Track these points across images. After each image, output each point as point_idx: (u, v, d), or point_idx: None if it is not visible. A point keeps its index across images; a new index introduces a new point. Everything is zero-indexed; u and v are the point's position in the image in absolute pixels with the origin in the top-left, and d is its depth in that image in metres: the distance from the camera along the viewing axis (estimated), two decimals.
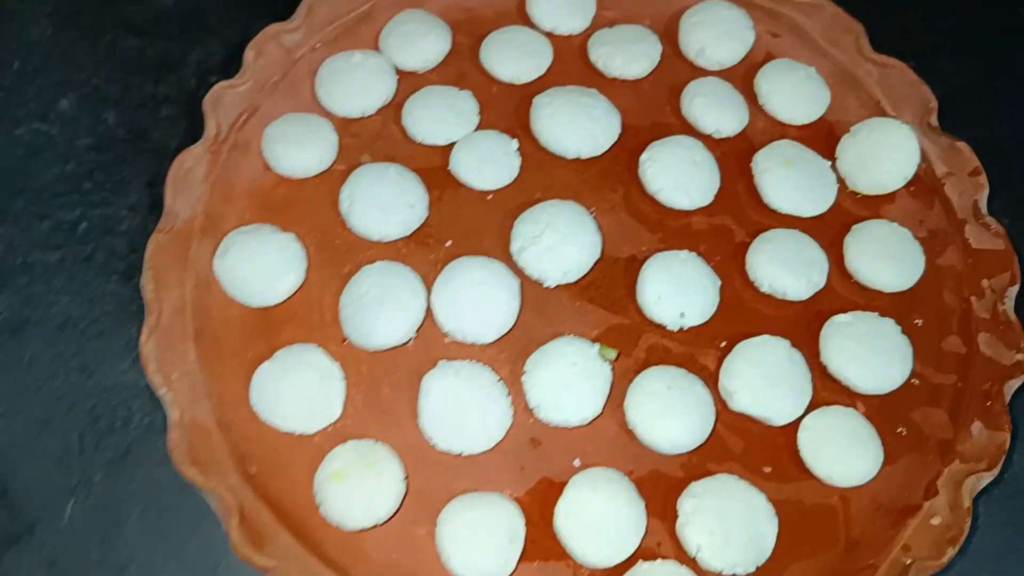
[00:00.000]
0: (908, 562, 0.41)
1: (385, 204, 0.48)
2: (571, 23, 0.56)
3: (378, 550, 0.42)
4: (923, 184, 0.51)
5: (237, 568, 0.42)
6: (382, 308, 0.45)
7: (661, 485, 0.44)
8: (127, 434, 0.45)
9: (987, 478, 0.43)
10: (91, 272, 0.49)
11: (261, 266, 0.47)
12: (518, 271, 0.48)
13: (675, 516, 0.42)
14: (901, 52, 0.55)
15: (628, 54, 0.54)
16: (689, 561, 0.42)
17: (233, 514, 0.40)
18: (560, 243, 0.47)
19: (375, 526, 0.42)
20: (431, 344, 0.46)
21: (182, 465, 0.41)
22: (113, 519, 0.43)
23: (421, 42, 0.54)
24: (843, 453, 0.44)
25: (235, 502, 0.40)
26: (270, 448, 0.44)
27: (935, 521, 0.42)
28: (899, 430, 0.45)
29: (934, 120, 0.51)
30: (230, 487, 0.41)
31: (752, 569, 0.41)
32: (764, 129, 0.53)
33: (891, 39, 0.56)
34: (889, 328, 0.46)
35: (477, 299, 0.46)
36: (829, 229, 0.50)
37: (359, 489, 0.42)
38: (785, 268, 0.48)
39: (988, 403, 0.44)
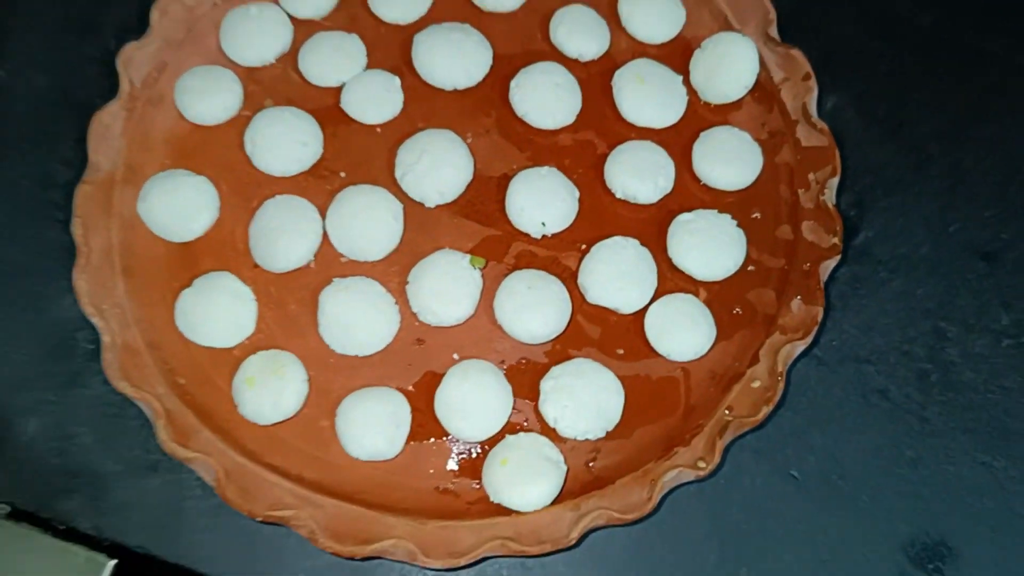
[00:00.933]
0: (729, 419, 0.48)
1: (282, 144, 0.54)
2: None
3: (290, 440, 0.49)
4: (764, 90, 0.56)
5: (172, 467, 0.50)
6: (281, 236, 0.52)
7: (528, 371, 0.51)
8: (73, 361, 0.53)
9: (801, 346, 0.50)
10: (35, 223, 0.55)
11: (179, 206, 0.53)
12: (402, 195, 0.54)
13: (538, 395, 0.50)
14: None
15: None
16: (549, 432, 0.49)
17: (160, 417, 0.47)
18: (435, 167, 0.53)
19: (284, 421, 0.50)
20: (329, 264, 0.53)
21: (115, 381, 0.48)
22: (67, 433, 0.51)
23: None
24: (683, 333, 0.50)
25: (162, 408, 0.48)
26: (195, 362, 0.51)
27: (755, 384, 0.49)
28: (735, 310, 0.52)
29: (773, 31, 0.56)
30: (157, 396, 0.48)
31: (602, 435, 0.49)
32: (627, 49, 0.58)
33: None
34: (726, 222, 0.53)
35: (365, 222, 0.52)
36: (682, 138, 0.56)
37: (267, 391, 0.49)
38: (635, 175, 0.54)
39: (807, 281, 0.51)
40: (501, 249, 0.54)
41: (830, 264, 0.51)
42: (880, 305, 0.54)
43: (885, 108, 0.59)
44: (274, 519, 0.46)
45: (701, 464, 0.47)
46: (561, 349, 0.52)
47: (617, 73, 0.57)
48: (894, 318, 0.54)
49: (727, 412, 0.49)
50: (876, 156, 0.57)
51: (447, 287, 0.51)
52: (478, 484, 0.49)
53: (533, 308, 0.50)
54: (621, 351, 0.52)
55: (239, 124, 0.56)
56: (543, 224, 0.53)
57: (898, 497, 0.51)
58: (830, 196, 0.52)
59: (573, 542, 0.46)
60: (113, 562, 0.49)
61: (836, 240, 0.51)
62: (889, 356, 0.53)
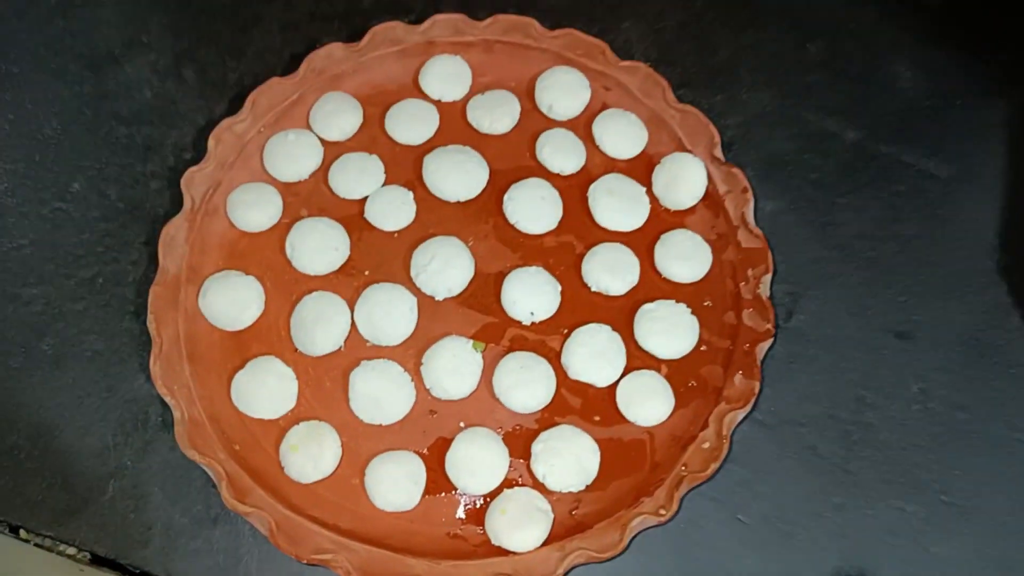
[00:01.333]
0: (684, 474, 0.59)
1: (318, 248, 0.65)
2: (453, 92, 0.72)
3: (327, 496, 0.59)
4: (712, 200, 0.67)
5: (230, 519, 0.61)
6: (317, 325, 0.63)
7: (521, 435, 0.60)
8: (146, 432, 0.61)
9: (742, 414, 0.59)
10: (109, 315, 0.64)
11: (232, 301, 0.63)
12: (416, 290, 0.65)
13: (530, 456, 0.61)
14: (713, 87, 0.73)
15: (495, 115, 0.70)
16: (539, 486, 0.60)
17: (222, 478, 0.58)
18: (444, 267, 0.64)
19: (322, 480, 0.60)
20: (357, 349, 0.63)
21: (185, 448, 0.58)
22: (142, 492, 0.60)
23: (339, 118, 0.70)
24: (648, 403, 0.58)
25: (223, 471, 0.58)
26: (248, 432, 0.61)
27: (705, 445, 0.58)
28: (690, 383, 0.62)
29: (718, 152, 0.67)
30: (219, 461, 0.59)
31: (583, 488, 0.58)
32: (600, 164, 0.69)
33: (703, 80, 0.74)
34: (682, 310, 0.63)
35: (386, 314, 0.63)
36: (646, 238, 0.64)
37: (309, 455, 0.59)
38: (608, 272, 0.63)
39: (747, 359, 0.62)
40: (498, 334, 0.62)
41: (765, 345, 0.62)
42: (811, 376, 0.64)
43: (815, 211, 0.69)
44: (317, 561, 0.56)
45: (662, 511, 0.57)
46: (548, 417, 0.59)
47: (592, 186, 0.66)
48: (823, 387, 0.63)
49: (683, 468, 0.57)
50: (808, 251, 0.67)
51: (454, 367, 0.62)
52: (482, 530, 0.56)
53: (525, 384, 0.60)
54: (598, 418, 0.59)
55: (280, 231, 0.67)
56: (532, 313, 0.62)
57: (827, 536, 0.59)
58: (764, 289, 0.63)
59: None
60: None
61: (769, 325, 0.62)
62: (819, 419, 0.62)
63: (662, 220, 0.66)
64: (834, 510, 0.60)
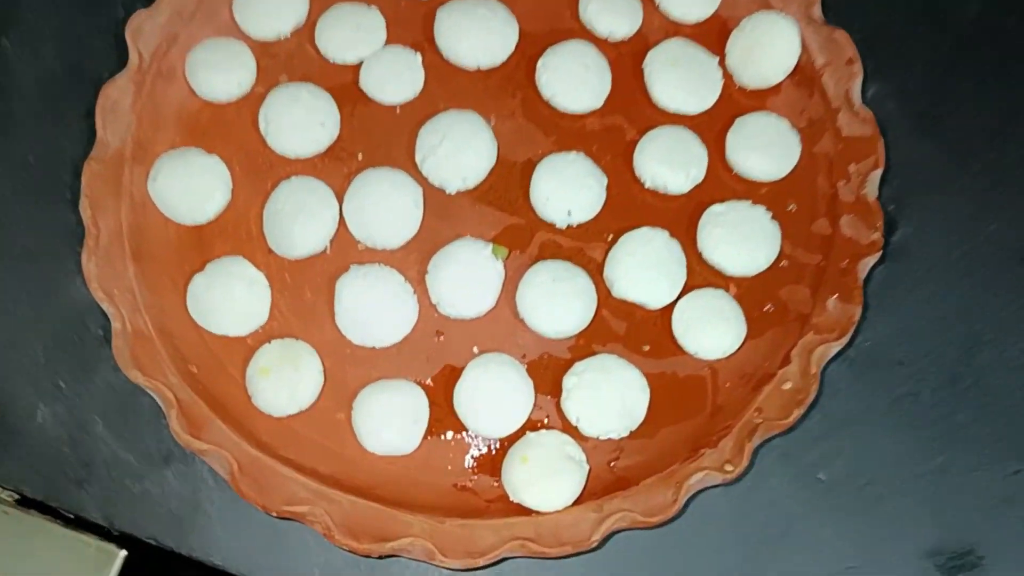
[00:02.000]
0: (758, 422, 0.46)
1: (299, 124, 0.52)
2: None
3: (304, 433, 0.48)
4: (804, 75, 0.54)
5: (185, 459, 0.49)
6: (296, 220, 0.50)
7: (550, 366, 0.49)
8: (85, 347, 0.51)
9: (836, 347, 0.48)
10: (42, 203, 0.54)
11: (191, 187, 0.51)
12: (422, 179, 0.52)
13: (560, 392, 0.48)
14: None
15: None
16: (572, 430, 0.48)
17: (173, 407, 0.46)
18: (457, 151, 0.51)
19: (299, 413, 0.48)
20: (345, 251, 0.51)
21: (126, 368, 0.47)
22: (79, 421, 0.50)
23: None
24: (711, 330, 0.49)
25: (174, 397, 0.46)
26: (207, 351, 0.50)
27: (786, 386, 0.48)
28: (767, 307, 0.50)
29: (816, 11, 0.54)
30: (169, 385, 0.47)
31: (625, 434, 0.48)
32: (659, 28, 0.56)
33: None
34: (760, 215, 0.51)
35: (383, 208, 0.51)
36: (716, 123, 0.53)
37: (282, 382, 0.48)
38: (666, 164, 0.51)
39: (845, 279, 0.49)
40: (524, 239, 0.52)
41: (869, 262, 0.49)
42: (914, 305, 0.52)
43: (926, 100, 0.56)
44: (289, 514, 0.45)
45: (728, 467, 0.45)
46: (585, 344, 0.50)
47: (649, 54, 0.54)
48: (928, 319, 0.52)
49: (756, 414, 0.47)
50: (915, 150, 0.55)
51: (468, 277, 0.49)
52: (497, 482, 0.48)
53: (557, 301, 0.49)
54: (647, 347, 0.50)
55: (253, 102, 0.54)
56: (569, 213, 0.51)
57: (927, 503, 0.49)
58: (871, 189, 0.50)
59: (595, 544, 0.45)
60: (124, 553, 0.49)
61: (876, 236, 0.49)
62: (921, 359, 0.51)
63: (737, 101, 0.55)
64: (936, 472, 0.50)
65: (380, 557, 0.46)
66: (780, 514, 0.49)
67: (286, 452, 0.48)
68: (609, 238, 0.51)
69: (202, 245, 0.52)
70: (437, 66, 0.55)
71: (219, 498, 0.49)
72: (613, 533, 0.46)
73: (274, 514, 0.45)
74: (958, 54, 0.58)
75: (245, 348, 0.50)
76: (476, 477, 0.48)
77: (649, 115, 0.54)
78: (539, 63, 0.54)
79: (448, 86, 0.54)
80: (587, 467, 0.47)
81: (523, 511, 0.46)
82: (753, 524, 0.49)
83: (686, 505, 0.46)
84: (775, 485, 0.49)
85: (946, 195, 0.54)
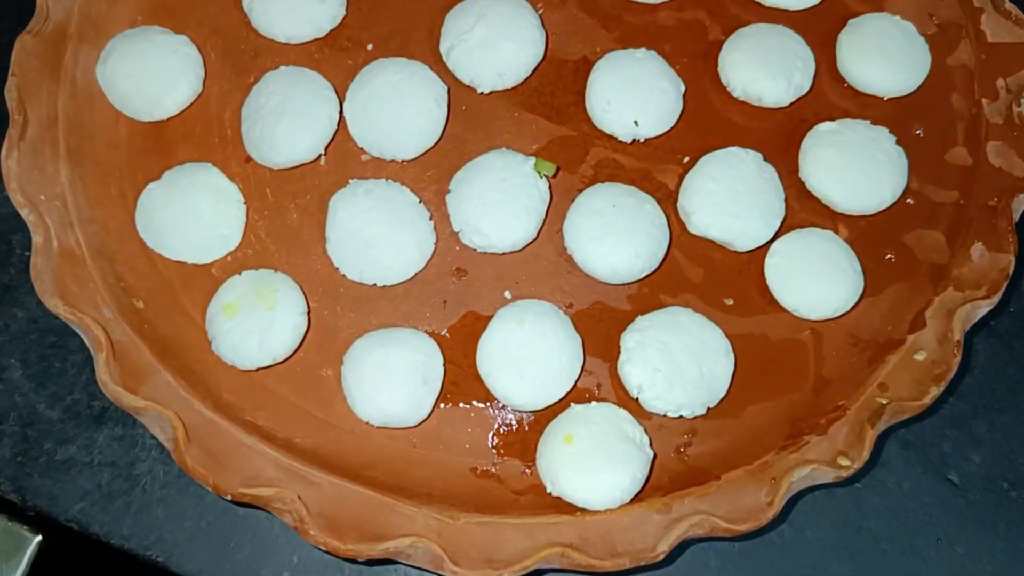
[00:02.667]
0: (884, 403, 0.35)
1: (293, 2, 0.41)
2: None
3: (279, 392, 0.38)
4: None
5: (124, 419, 0.39)
6: (283, 117, 0.39)
7: (604, 320, 0.39)
8: (5, 272, 0.41)
9: (985, 307, 0.38)
10: None
11: (150, 74, 0.41)
12: (448, 74, 0.41)
13: (617, 353, 0.37)
14: None
15: None
16: (631, 403, 0.37)
17: (102, 349, 0.35)
18: (494, 39, 0.41)
19: (273, 365, 0.37)
20: (345, 162, 0.41)
21: (46, 296, 0.37)
22: None
23: None
24: (816, 282, 0.39)
25: (106, 338, 0.35)
26: (159, 281, 0.39)
27: (919, 357, 0.37)
28: (887, 256, 0.40)
29: None
30: (102, 322, 0.36)
31: (702, 411, 0.37)
32: None
33: None
34: (882, 138, 0.40)
35: (395, 107, 0.40)
36: (822, 24, 0.44)
37: (252, 323, 0.37)
38: (762, 68, 0.41)
39: (993, 221, 0.38)
40: (577, 155, 0.42)
41: None
42: None
43: None
44: (250, 499, 0.34)
45: (844, 461, 0.35)
46: (650, 293, 0.40)
47: None
48: None
49: (879, 391, 0.36)
50: None
51: (501, 198, 0.38)
52: (530, 468, 0.37)
53: (617, 235, 0.38)
54: (730, 301, 0.40)
55: None
56: (635, 124, 0.40)
57: None
58: None
59: (661, 557, 0.33)
60: (38, 539, 0.37)
61: None
62: None
63: (849, 1, 0.44)
64: None
65: (370, 563, 0.34)
66: (899, 521, 0.40)
67: (253, 416, 0.37)
68: (685, 160, 0.42)
69: (161, 148, 0.42)
70: None
71: (165, 473, 0.38)
72: (686, 543, 0.35)
73: (229, 497, 0.34)
74: None
75: (208, 280, 0.40)
76: (502, 460, 0.38)
77: (737, 12, 0.44)
78: None
79: None
80: (651, 453, 0.36)
81: (564, 508, 0.36)
82: (863, 533, 0.40)
83: (785, 509, 0.35)
84: (893, 485, 0.40)
85: None
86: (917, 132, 0.41)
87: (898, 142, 0.40)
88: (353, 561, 0.35)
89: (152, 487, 0.38)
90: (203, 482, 0.34)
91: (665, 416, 0.37)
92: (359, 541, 0.34)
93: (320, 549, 0.34)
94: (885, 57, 0.41)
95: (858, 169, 0.39)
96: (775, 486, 0.34)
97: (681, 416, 0.37)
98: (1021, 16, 0.41)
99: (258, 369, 0.38)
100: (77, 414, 0.39)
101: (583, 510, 0.35)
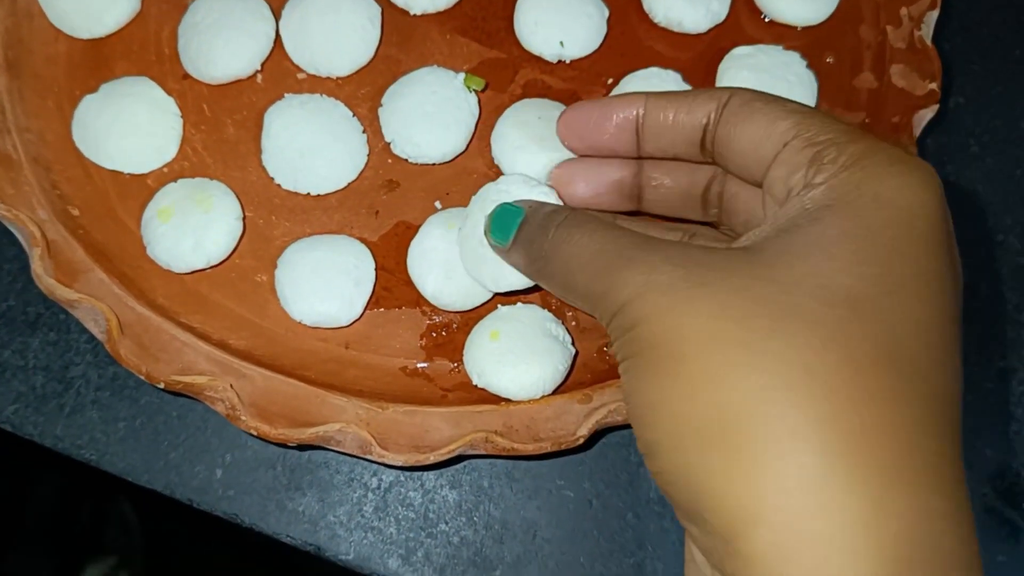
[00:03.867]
0: None
1: None
2: None
3: (213, 297, 0.38)
4: None
5: (58, 325, 0.39)
6: (220, 33, 0.40)
7: None
8: None
9: None
10: None
11: None
12: None
13: None
14: None
15: None
16: (556, 305, 0.38)
17: (37, 245, 0.35)
18: None
19: (208, 268, 0.38)
20: (281, 78, 0.41)
21: None
22: None
23: None
24: None
25: (41, 235, 0.35)
26: (95, 190, 0.39)
27: None
28: None
29: None
30: (37, 221, 0.36)
31: None
32: None
33: None
34: (794, 62, 0.41)
35: (330, 25, 0.40)
36: None
37: (188, 227, 0.37)
38: None
39: (897, 136, 0.40)
40: (506, 76, 0.42)
41: (925, 115, 0.40)
42: (970, 184, 0.44)
43: None
44: (182, 388, 0.34)
45: None
46: None
47: None
48: (985, 200, 0.43)
49: None
50: (971, 11, 0.46)
51: (433, 111, 0.39)
52: (457, 366, 0.37)
53: (543, 143, 0.38)
54: None
55: None
56: (561, 44, 0.41)
57: (985, 417, 0.40)
58: (927, 31, 0.41)
59: (581, 441, 0.34)
60: None
61: (934, 86, 0.40)
62: (980, 246, 0.42)
63: None
64: (995, 378, 0.39)
65: (300, 447, 0.35)
66: None
67: (188, 319, 0.37)
68: (609, 82, 0.42)
69: (99, 64, 0.41)
70: None
71: (99, 376, 0.38)
72: (604, 430, 0.36)
73: (161, 385, 0.34)
74: None
75: (144, 190, 0.39)
76: (433, 359, 0.38)
77: None
78: None
79: None
80: (572, 349, 0.37)
81: (490, 399, 0.36)
82: None
83: None
84: None
85: (1007, 62, 0.46)
86: (828, 60, 0.42)
87: (809, 67, 0.42)
88: (283, 446, 0.35)
89: (86, 390, 0.38)
90: (136, 371, 0.34)
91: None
92: (289, 427, 0.34)
93: (250, 436, 0.35)
94: None
95: (771, 90, 0.40)
96: None
97: None
98: None
99: (192, 272, 0.37)
100: (11, 320, 0.38)
101: (508, 400, 0.36)
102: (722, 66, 0.42)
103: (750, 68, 0.41)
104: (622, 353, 0.25)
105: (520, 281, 0.34)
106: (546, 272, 0.30)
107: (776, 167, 0.27)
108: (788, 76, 0.41)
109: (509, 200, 0.33)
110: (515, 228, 0.32)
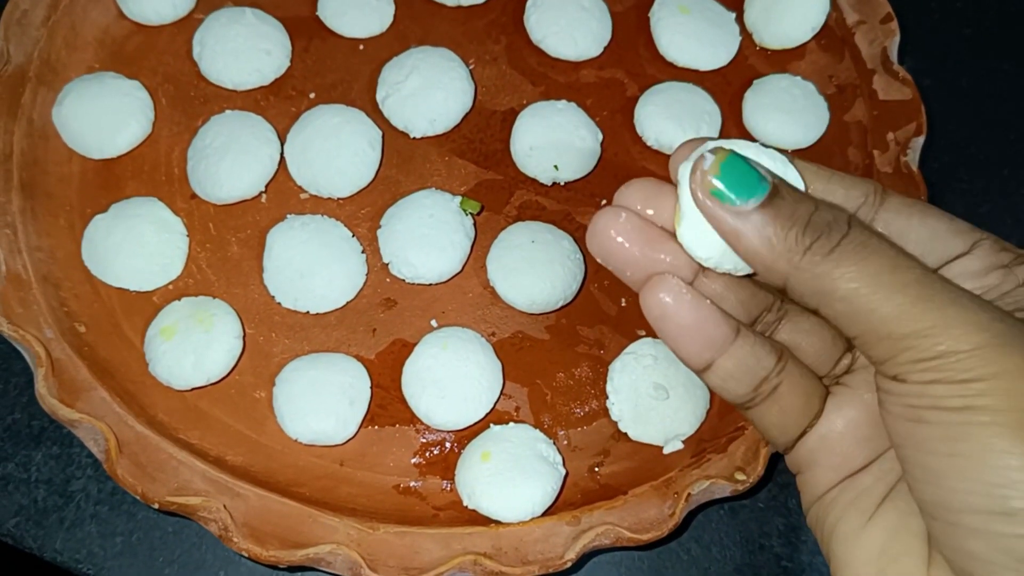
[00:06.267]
0: None
1: (239, 49, 0.44)
2: None
3: (212, 413, 0.39)
4: (833, 35, 0.47)
5: (61, 439, 0.40)
6: (226, 155, 0.41)
7: (524, 348, 0.40)
8: None
9: None
10: None
11: (101, 113, 0.42)
12: (384, 122, 0.44)
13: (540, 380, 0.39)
14: None
15: None
16: (546, 426, 0.39)
17: (42, 365, 0.36)
18: (425, 88, 0.43)
19: (207, 386, 0.39)
20: (285, 199, 0.43)
21: None
22: None
23: None
24: None
25: (46, 354, 0.36)
26: (102, 307, 0.40)
27: None
28: None
29: None
30: (43, 340, 0.37)
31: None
32: None
33: None
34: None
35: (332, 148, 0.42)
36: (730, 85, 0.46)
37: (189, 345, 0.38)
38: (673, 120, 0.43)
39: None
40: (501, 197, 0.43)
41: None
42: None
43: (969, 79, 0.49)
44: (176, 508, 0.35)
45: (740, 476, 0.36)
46: (568, 324, 0.41)
47: (657, 1, 0.47)
48: None
49: None
50: (954, 131, 0.48)
51: (429, 234, 0.40)
52: (449, 485, 0.38)
53: (535, 267, 0.40)
54: (643, 332, 0.41)
55: (189, 28, 0.46)
56: (556, 168, 0.42)
57: None
58: (913, 157, 0.42)
59: (568, 564, 0.35)
60: None
61: None
62: None
63: (755, 64, 0.47)
64: None
65: (290, 569, 0.35)
66: (800, 543, 0.40)
67: (187, 435, 0.38)
68: (603, 203, 0.43)
69: (110, 184, 0.43)
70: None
71: (99, 491, 0.39)
72: (593, 553, 0.36)
73: (156, 506, 0.35)
74: (1000, 30, 0.51)
75: (149, 307, 0.40)
76: (424, 478, 0.38)
77: (653, 72, 0.47)
78: (528, 2, 0.46)
79: (421, 23, 0.47)
80: (563, 471, 0.37)
81: (480, 520, 0.36)
82: (766, 551, 0.40)
83: (686, 521, 0.37)
84: (794, 507, 0.40)
85: (991, 181, 0.49)
86: None
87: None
88: (275, 567, 0.36)
89: (86, 504, 0.38)
90: (132, 491, 0.34)
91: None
92: (280, 548, 0.34)
93: (243, 556, 0.35)
94: (786, 113, 0.44)
95: None
96: (677, 499, 0.36)
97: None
98: (907, 76, 0.44)
99: (193, 389, 0.38)
100: (17, 432, 0.39)
101: (497, 522, 0.36)
102: None
103: None
104: (947, 402, 0.22)
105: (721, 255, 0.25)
106: (819, 271, 0.23)
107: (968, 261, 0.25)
108: None
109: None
110: (761, 191, 0.24)
